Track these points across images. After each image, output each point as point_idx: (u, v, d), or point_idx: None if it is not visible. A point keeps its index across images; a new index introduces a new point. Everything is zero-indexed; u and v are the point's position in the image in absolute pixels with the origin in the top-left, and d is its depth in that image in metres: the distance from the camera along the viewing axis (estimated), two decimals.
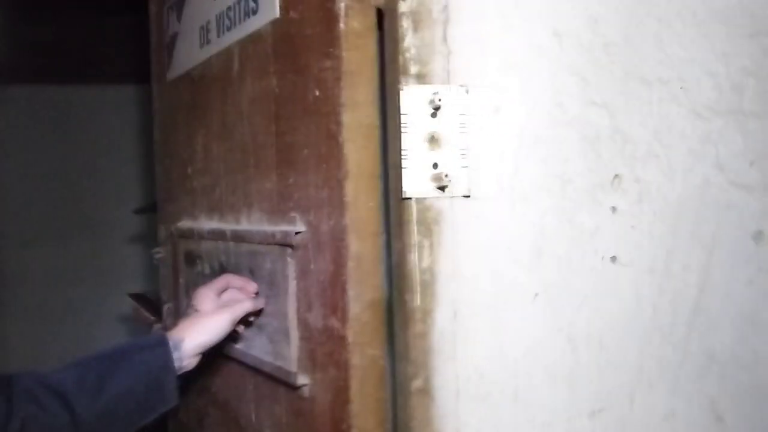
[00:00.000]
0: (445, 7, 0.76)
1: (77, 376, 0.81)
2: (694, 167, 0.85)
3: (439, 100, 0.74)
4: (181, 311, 1.22)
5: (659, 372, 0.85)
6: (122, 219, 3.18)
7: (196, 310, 0.90)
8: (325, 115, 0.81)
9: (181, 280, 1.22)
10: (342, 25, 0.78)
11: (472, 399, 0.78)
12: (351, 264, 0.79)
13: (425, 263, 0.76)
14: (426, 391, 0.77)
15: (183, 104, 1.21)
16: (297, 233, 0.86)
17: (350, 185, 0.79)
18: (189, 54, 1.16)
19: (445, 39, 0.76)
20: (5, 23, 3.20)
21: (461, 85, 0.76)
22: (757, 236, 0.88)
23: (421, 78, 0.76)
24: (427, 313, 0.77)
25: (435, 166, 0.76)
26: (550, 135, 0.80)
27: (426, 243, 0.76)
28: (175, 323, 0.92)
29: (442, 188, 0.76)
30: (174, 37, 1.22)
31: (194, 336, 0.86)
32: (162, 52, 1.29)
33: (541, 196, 0.80)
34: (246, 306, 0.91)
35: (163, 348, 0.84)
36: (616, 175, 0.82)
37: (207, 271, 1.11)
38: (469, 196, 0.77)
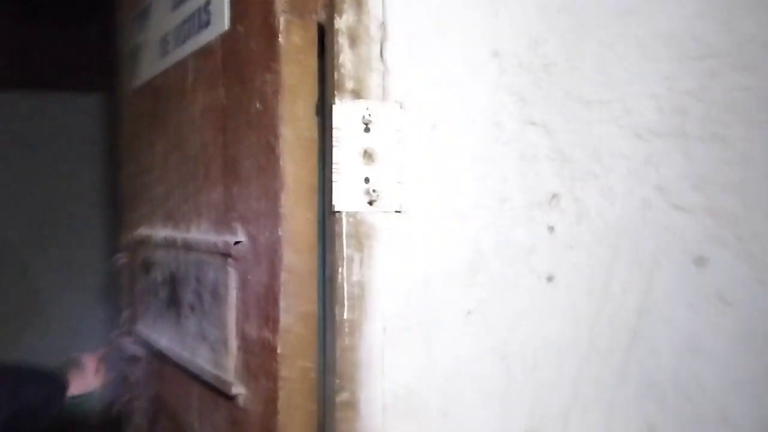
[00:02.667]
0: (383, 24, 0.77)
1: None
2: (634, 188, 0.85)
3: (370, 115, 0.75)
4: (136, 318, 1.22)
5: (596, 395, 0.85)
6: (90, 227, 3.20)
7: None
8: (265, 128, 0.81)
9: (138, 287, 1.22)
10: (281, 40, 0.78)
11: (400, 415, 0.78)
12: (284, 275, 0.79)
13: (355, 277, 0.77)
14: (352, 405, 0.77)
15: (145, 113, 1.22)
16: (236, 243, 0.86)
17: (286, 197, 0.79)
18: (150, 64, 1.17)
19: (381, 56, 0.77)
20: None
21: (396, 102, 0.77)
22: (699, 261, 0.88)
23: (356, 93, 0.76)
24: (355, 326, 0.77)
25: (366, 180, 0.76)
26: (487, 153, 0.80)
27: (357, 257, 0.77)
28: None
29: (372, 203, 0.76)
30: (137, 48, 1.23)
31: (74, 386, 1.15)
32: (127, 62, 1.30)
33: (477, 213, 0.80)
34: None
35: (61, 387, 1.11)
36: (554, 195, 0.83)
37: (159, 279, 1.11)
38: (400, 212, 0.77)
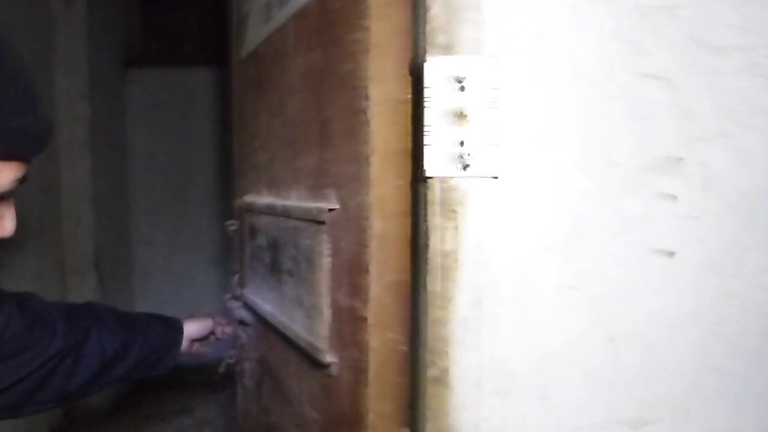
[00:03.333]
0: None
1: (119, 344, 1.04)
2: None
3: (466, 72, 0.69)
4: (246, 281, 1.26)
5: (721, 386, 0.75)
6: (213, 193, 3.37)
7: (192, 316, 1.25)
8: (355, 89, 0.78)
9: (247, 252, 1.25)
10: None
11: (495, 393, 0.73)
12: (373, 243, 0.77)
13: (447, 247, 0.72)
14: (443, 381, 0.73)
15: (251, 81, 1.24)
16: (329, 210, 0.84)
17: (375, 162, 0.76)
18: (256, 32, 1.18)
19: (477, 5, 0.70)
20: (138, 11, 3.46)
21: (492, 56, 0.70)
22: None
23: (448, 49, 0.71)
24: (447, 299, 0.72)
25: (461, 143, 0.71)
26: (594, 111, 0.72)
27: (449, 226, 0.72)
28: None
29: (467, 168, 0.71)
30: (245, 16, 1.24)
31: (189, 328, 1.22)
32: (236, 32, 1.32)
33: (579, 178, 0.72)
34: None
35: (178, 329, 1.18)
36: (676, 158, 0.73)
37: (263, 244, 1.13)
38: (497, 177, 0.71)
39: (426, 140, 0.71)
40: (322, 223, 0.86)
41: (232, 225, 1.37)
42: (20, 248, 2.29)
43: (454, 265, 0.72)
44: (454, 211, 0.72)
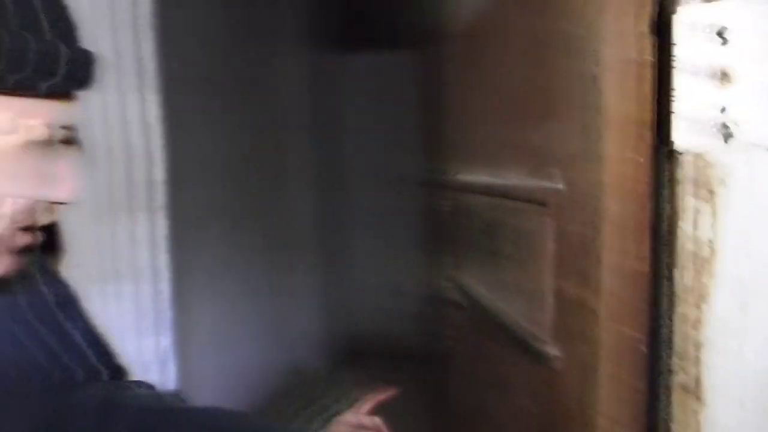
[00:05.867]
0: None
1: None
2: None
3: (727, 23, 0.56)
4: (459, 262, 1.23)
5: None
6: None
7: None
8: (584, 53, 0.69)
9: (460, 233, 1.22)
10: None
11: (755, 410, 0.60)
12: (607, 228, 0.68)
13: (703, 234, 0.60)
14: (693, 391, 0.62)
15: (462, 57, 1.19)
16: (553, 190, 0.77)
17: (609, 135, 0.66)
18: (465, 7, 1.12)
19: None
20: None
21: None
22: None
23: None
24: (701, 296, 0.61)
25: (722, 110, 0.59)
26: None
27: (705, 209, 0.60)
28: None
29: (729, 139, 0.58)
30: None
31: None
32: (443, 9, 1.28)
33: None
34: None
35: None
36: None
37: (479, 226, 1.09)
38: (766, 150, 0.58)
39: (674, 107, 0.60)
40: (545, 204, 0.79)
41: (443, 205, 1.35)
42: (252, 224, 2.54)
43: (710, 256, 0.60)
44: (711, 191, 0.60)
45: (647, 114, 0.66)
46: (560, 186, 0.76)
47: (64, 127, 0.51)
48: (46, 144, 0.50)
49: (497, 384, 1.04)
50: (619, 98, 0.66)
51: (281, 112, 2.90)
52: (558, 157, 0.77)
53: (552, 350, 0.78)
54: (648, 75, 0.65)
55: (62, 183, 0.52)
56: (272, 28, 2.86)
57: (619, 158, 0.66)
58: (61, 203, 0.53)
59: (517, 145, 0.91)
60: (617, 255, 0.68)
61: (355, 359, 2.95)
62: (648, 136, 0.66)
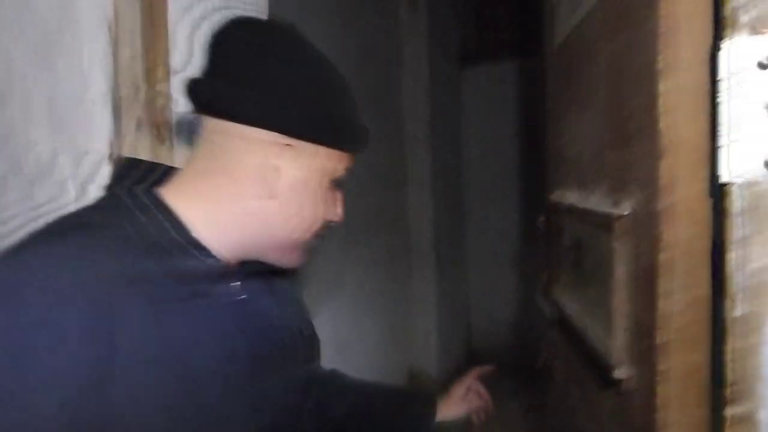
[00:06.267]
0: None
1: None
2: None
3: None
4: (552, 281, 1.24)
5: None
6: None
7: (449, 394, 1.09)
8: (646, 81, 0.70)
9: (554, 249, 1.23)
10: None
11: None
12: (663, 255, 0.68)
13: (754, 264, 0.60)
14: (750, 423, 0.61)
15: (561, 72, 1.20)
16: (619, 217, 0.78)
17: (665, 164, 0.67)
18: (566, 20, 1.14)
19: None
20: (471, 8, 3.63)
21: None
22: None
23: (755, 29, 0.58)
24: (754, 327, 0.61)
25: None
26: None
27: (756, 239, 0.60)
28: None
29: None
30: (555, 5, 1.21)
31: (443, 412, 1.06)
32: (548, 23, 1.29)
33: None
34: (476, 408, 1.07)
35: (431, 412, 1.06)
36: None
37: (569, 243, 1.10)
38: None
39: (722, 139, 0.60)
40: (611, 230, 0.80)
41: (541, 222, 1.36)
42: (375, 232, 2.66)
43: (761, 286, 0.60)
44: (762, 221, 0.60)
45: (703, 142, 0.66)
46: (626, 212, 0.77)
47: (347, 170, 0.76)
48: (338, 181, 0.75)
49: (585, 401, 1.05)
50: (675, 127, 0.67)
51: (403, 124, 3.01)
52: (632, 182, 0.78)
53: (621, 373, 0.79)
54: (702, 104, 0.66)
55: (337, 208, 0.77)
56: (396, 44, 2.98)
57: (678, 186, 0.67)
58: (333, 222, 0.77)
59: (603, 165, 0.92)
60: (676, 281, 0.68)
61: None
62: (705, 165, 0.66)
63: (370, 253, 2.58)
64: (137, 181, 0.72)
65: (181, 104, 0.97)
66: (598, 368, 0.89)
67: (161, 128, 0.97)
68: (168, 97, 0.97)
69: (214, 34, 0.71)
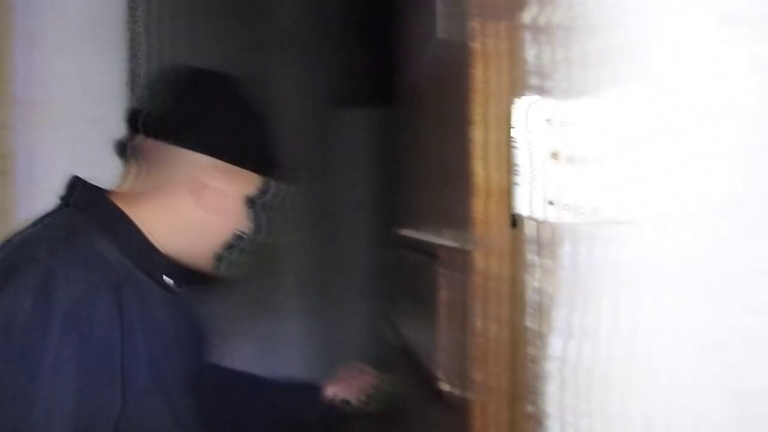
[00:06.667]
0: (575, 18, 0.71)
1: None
2: None
3: (559, 113, 0.70)
4: (399, 311, 1.34)
5: None
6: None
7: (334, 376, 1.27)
8: (463, 131, 0.82)
9: (398, 284, 1.34)
10: (475, 44, 0.79)
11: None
12: (477, 280, 0.79)
13: (536, 284, 0.72)
14: (537, 419, 0.72)
15: (410, 119, 1.33)
16: (442, 247, 0.89)
17: (478, 202, 0.79)
18: (411, 69, 1.27)
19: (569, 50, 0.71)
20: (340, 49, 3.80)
21: (585, 95, 0.70)
22: None
23: (543, 91, 0.72)
24: (540, 337, 0.72)
25: (555, 184, 0.71)
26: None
27: (540, 263, 0.72)
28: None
29: (559, 208, 0.71)
30: (405, 54, 1.34)
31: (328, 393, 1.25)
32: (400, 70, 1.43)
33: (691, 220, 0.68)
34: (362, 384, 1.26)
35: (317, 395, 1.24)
36: None
37: (409, 274, 1.21)
38: (595, 217, 0.70)
39: (517, 179, 0.73)
40: (438, 258, 0.91)
41: (389, 257, 1.47)
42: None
43: (545, 304, 0.72)
44: (548, 251, 0.72)
45: (506, 184, 0.79)
46: (450, 243, 0.89)
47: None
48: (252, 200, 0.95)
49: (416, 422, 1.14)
50: (487, 171, 0.79)
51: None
52: (449, 217, 0.90)
53: (443, 386, 0.89)
54: (505, 152, 0.78)
55: (249, 222, 0.96)
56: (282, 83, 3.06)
57: (485, 221, 0.79)
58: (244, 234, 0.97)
59: (428, 206, 1.04)
60: (484, 304, 0.79)
61: None
62: (507, 203, 0.79)
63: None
64: (87, 193, 0.87)
65: (20, 134, 1.01)
66: (429, 386, 0.99)
67: (3, 159, 0.98)
68: (7, 126, 0.98)
69: (160, 74, 0.99)
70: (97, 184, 0.89)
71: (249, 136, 0.93)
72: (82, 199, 0.85)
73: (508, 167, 0.78)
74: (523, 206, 0.72)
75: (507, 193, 0.79)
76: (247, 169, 0.93)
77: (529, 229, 0.73)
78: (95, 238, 0.80)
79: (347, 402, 1.22)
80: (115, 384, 0.75)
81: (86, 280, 0.74)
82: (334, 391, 1.21)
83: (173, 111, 0.88)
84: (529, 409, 0.73)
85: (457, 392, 0.87)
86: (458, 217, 0.87)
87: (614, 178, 0.70)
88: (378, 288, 3.55)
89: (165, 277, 0.89)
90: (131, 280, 0.81)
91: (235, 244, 0.95)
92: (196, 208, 0.90)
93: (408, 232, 1.25)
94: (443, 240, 0.91)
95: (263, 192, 0.97)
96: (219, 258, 0.95)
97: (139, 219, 0.87)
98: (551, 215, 0.71)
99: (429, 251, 0.97)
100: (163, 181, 0.89)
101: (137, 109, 0.89)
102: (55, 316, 0.69)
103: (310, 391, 1.20)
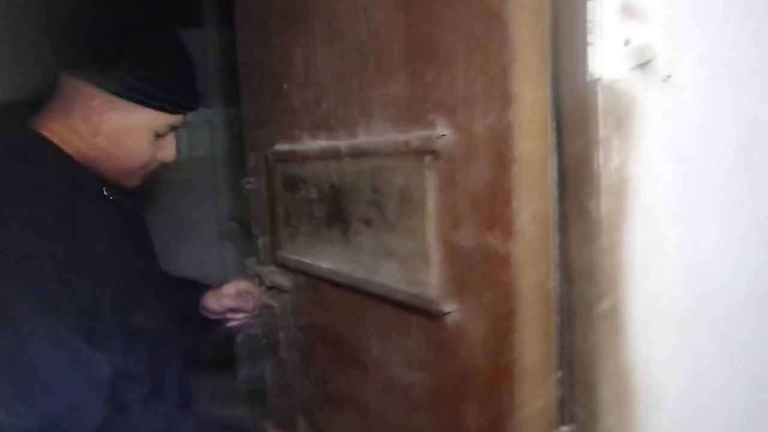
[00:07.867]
0: None
1: None
2: None
3: None
4: (279, 243, 1.11)
5: None
6: None
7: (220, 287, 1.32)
8: None
9: (280, 209, 1.11)
10: None
11: (666, 326, 0.65)
12: (515, 168, 0.66)
13: (614, 162, 0.63)
14: (614, 317, 0.64)
15: (275, 13, 1.08)
16: (439, 137, 0.73)
17: (516, 73, 0.65)
18: None
19: None
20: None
21: None
22: None
23: None
24: (617, 222, 0.63)
25: (626, 42, 0.62)
26: None
27: (615, 138, 0.62)
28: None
29: (637, 69, 0.61)
30: None
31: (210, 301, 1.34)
32: None
33: (752, 81, 0.65)
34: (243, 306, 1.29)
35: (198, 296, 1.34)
36: None
37: (314, 195, 1.00)
38: (668, 80, 0.62)
39: (590, 38, 0.61)
40: (427, 153, 0.75)
41: (248, 183, 1.22)
42: None
43: (621, 184, 0.63)
44: (620, 121, 0.62)
45: (545, 49, 0.66)
46: (445, 131, 0.73)
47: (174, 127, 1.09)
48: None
49: (351, 363, 0.97)
50: (522, 33, 0.65)
51: None
52: (439, 102, 0.74)
53: (446, 307, 0.74)
54: (547, 10, 0.65)
55: (168, 151, 1.10)
56: None
57: (524, 96, 0.66)
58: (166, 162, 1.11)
59: (370, 99, 0.85)
60: (525, 195, 0.67)
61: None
62: (546, 73, 0.66)
63: None
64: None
65: None
66: (398, 311, 0.83)
67: None
68: None
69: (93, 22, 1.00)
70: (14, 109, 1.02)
71: (159, 77, 1.00)
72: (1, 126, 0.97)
73: (544, 29, 0.66)
74: (595, 69, 0.61)
75: (545, 61, 0.66)
76: (151, 107, 1.02)
77: (597, 98, 0.62)
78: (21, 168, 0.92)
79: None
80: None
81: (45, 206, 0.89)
82: (214, 300, 1.27)
83: (77, 44, 0.98)
84: (605, 306, 0.64)
85: (472, 312, 0.73)
86: (461, 101, 0.71)
87: (684, 38, 0.63)
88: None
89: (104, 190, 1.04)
90: (80, 200, 0.95)
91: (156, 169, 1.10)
92: (94, 137, 1.00)
93: (305, 146, 1.02)
94: (430, 131, 0.74)
95: (172, 126, 1.07)
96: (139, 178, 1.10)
97: (63, 144, 1.00)
98: (628, 79, 0.62)
99: (395, 152, 0.79)
100: (70, 112, 0.99)
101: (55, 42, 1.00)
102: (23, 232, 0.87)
103: (194, 288, 1.31)
